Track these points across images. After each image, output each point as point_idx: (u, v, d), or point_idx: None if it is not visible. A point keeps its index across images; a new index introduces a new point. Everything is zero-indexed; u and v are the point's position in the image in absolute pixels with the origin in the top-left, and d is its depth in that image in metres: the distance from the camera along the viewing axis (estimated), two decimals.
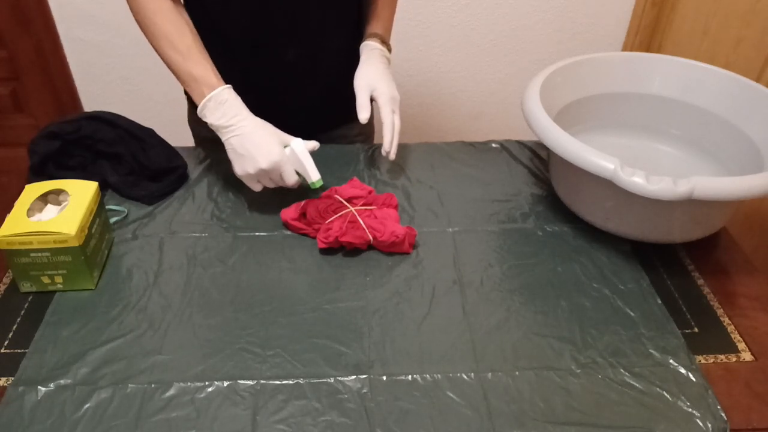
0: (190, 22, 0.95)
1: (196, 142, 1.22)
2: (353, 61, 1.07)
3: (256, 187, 0.93)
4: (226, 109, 0.90)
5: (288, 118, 0.96)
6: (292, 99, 1.09)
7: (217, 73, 0.92)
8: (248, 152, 0.89)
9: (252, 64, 1.04)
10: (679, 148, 1.06)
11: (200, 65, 0.91)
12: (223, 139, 0.91)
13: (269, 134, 0.90)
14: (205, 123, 1.14)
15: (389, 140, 1.01)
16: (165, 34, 0.91)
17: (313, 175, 0.92)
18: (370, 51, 1.06)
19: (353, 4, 1.08)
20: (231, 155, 0.91)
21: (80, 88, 1.99)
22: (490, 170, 1.08)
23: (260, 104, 0.98)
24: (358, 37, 1.11)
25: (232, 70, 0.94)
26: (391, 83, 1.04)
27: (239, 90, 1.00)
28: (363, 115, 1.02)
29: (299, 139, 0.93)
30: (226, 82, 0.92)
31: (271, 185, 0.93)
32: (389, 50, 1.10)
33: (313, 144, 0.95)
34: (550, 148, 0.87)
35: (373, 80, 1.03)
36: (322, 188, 0.96)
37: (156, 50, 0.94)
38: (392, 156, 1.01)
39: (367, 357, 0.75)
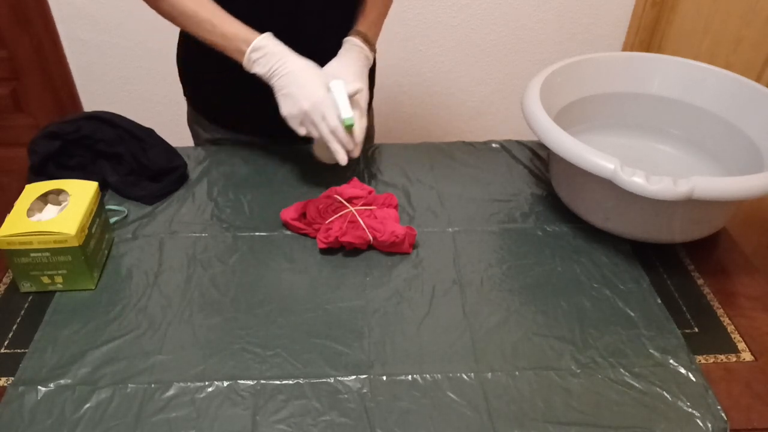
0: None
1: (195, 143, 1.22)
2: None
3: (300, 131, 0.94)
4: (268, 57, 0.91)
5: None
6: None
7: (248, 27, 0.93)
8: (291, 93, 0.91)
9: None
10: (679, 148, 1.06)
11: (229, 25, 0.93)
12: (271, 83, 0.93)
13: (313, 75, 0.91)
14: (205, 124, 1.15)
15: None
16: (188, 11, 0.93)
17: (345, 112, 0.91)
18: (349, 46, 1.03)
19: (353, 8, 1.08)
20: (278, 97, 0.93)
21: (80, 88, 1.99)
22: (490, 170, 1.08)
23: (259, 104, 0.98)
24: None
25: (232, 69, 0.94)
26: (358, 75, 0.99)
27: (239, 87, 1.00)
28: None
29: (340, 81, 0.93)
30: (228, 79, 0.91)
31: (314, 131, 0.93)
32: (373, 51, 1.07)
33: (355, 87, 0.94)
34: (550, 148, 0.87)
35: (338, 73, 0.98)
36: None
37: (187, 30, 0.96)
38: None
39: (367, 357, 0.75)
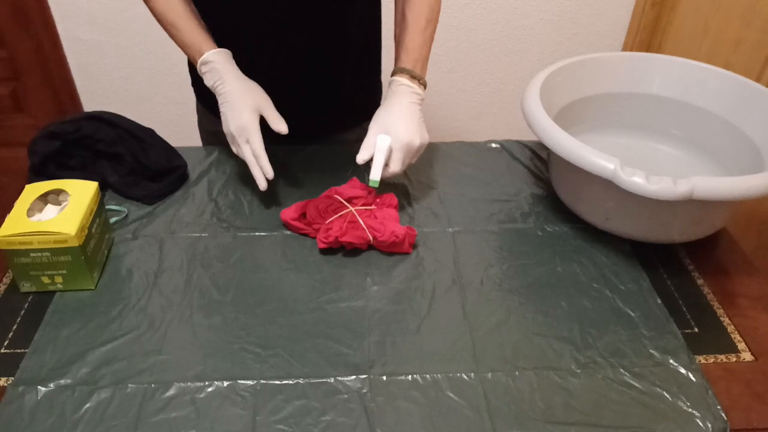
0: None
1: (201, 135, 1.23)
2: (361, 65, 1.06)
3: (233, 148, 0.96)
4: (212, 74, 0.95)
5: (288, 119, 0.96)
6: (293, 101, 1.09)
7: (208, 39, 0.96)
8: (223, 113, 0.94)
9: (262, 65, 1.04)
10: (678, 148, 1.06)
11: (190, 34, 0.96)
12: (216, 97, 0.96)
13: (244, 99, 0.92)
14: (210, 116, 1.15)
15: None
16: (159, 13, 0.98)
17: (373, 174, 0.92)
18: (396, 87, 0.96)
19: (370, 8, 1.08)
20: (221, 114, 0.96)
21: (80, 88, 1.99)
22: (490, 170, 1.08)
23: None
24: (372, 43, 1.10)
25: (241, 67, 0.95)
26: (411, 126, 0.93)
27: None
28: (360, 155, 0.93)
29: (387, 137, 0.92)
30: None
31: (239, 152, 0.94)
32: (424, 85, 0.98)
33: (404, 143, 0.91)
34: (550, 148, 0.87)
35: (390, 123, 0.93)
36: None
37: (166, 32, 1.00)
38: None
39: (367, 357, 0.75)
